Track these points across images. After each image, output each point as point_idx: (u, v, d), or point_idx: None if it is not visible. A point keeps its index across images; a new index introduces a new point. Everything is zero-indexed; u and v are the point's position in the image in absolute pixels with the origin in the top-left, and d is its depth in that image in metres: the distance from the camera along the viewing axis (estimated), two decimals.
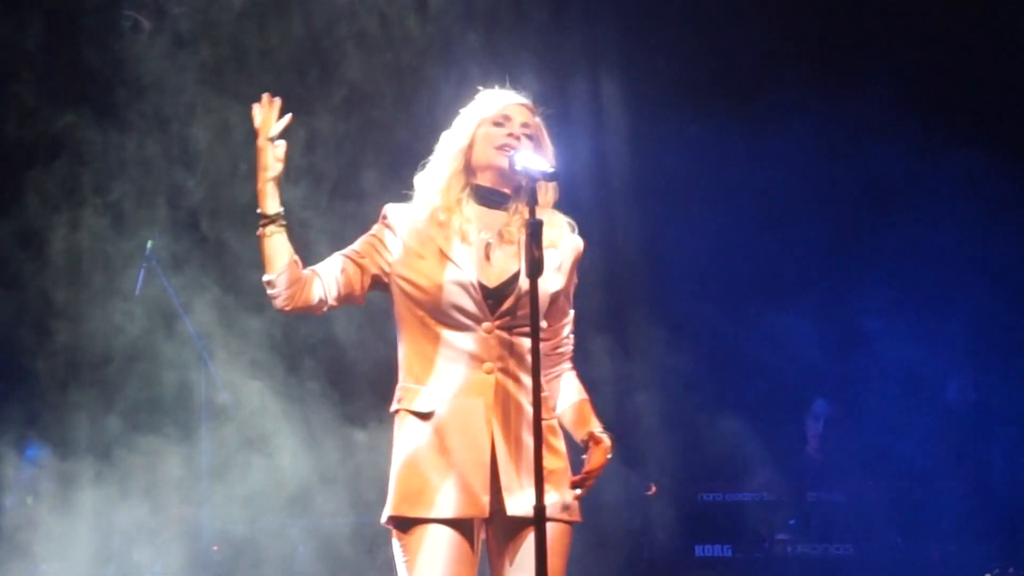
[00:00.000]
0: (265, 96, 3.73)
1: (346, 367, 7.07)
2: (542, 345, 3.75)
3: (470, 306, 3.72)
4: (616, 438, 3.83)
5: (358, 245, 3.83)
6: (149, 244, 6.99)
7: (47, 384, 7.10)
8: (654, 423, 7.68)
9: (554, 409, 3.87)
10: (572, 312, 3.93)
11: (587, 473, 3.72)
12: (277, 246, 3.73)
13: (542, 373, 3.74)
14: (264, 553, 6.92)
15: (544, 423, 3.73)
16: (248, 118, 3.74)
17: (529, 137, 3.83)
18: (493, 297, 3.74)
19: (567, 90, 7.83)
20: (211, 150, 7.00)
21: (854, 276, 8.03)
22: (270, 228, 3.72)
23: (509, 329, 3.74)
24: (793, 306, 8.00)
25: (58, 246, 7.11)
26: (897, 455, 7.68)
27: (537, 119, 3.89)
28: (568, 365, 3.94)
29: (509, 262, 3.77)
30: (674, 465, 7.56)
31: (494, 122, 3.84)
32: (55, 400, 7.09)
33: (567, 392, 3.91)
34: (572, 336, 3.95)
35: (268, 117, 3.72)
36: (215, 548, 6.95)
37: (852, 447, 7.74)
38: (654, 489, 7.23)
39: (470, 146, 3.84)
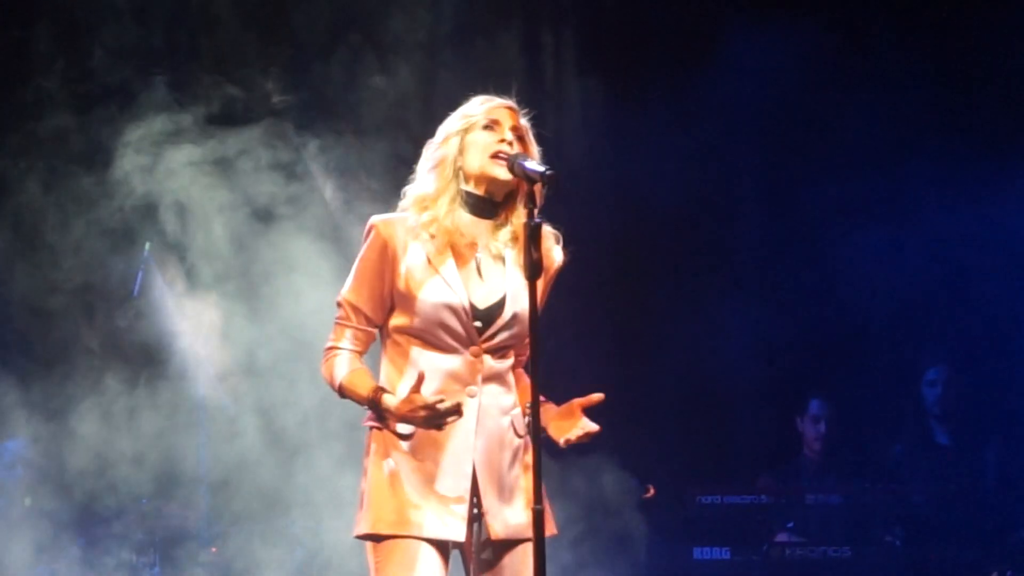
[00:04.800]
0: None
1: None
2: (514, 361, 3.81)
3: (459, 329, 3.71)
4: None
5: (361, 301, 3.78)
6: (147, 246, 6.99)
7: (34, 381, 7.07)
8: (652, 425, 7.68)
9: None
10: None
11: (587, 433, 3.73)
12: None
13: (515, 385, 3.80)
14: (263, 555, 6.91)
15: (525, 441, 3.77)
16: None
17: (519, 139, 3.81)
18: (481, 319, 3.72)
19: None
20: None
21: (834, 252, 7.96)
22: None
23: (495, 352, 3.74)
24: (777, 298, 8.02)
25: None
26: (892, 456, 7.69)
27: (524, 121, 3.85)
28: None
29: (497, 283, 3.75)
30: (672, 468, 7.57)
31: (483, 126, 3.79)
32: (42, 398, 7.05)
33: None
34: None
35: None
36: (213, 550, 6.95)
37: (849, 448, 7.74)
38: (652, 491, 7.23)
39: (460, 152, 3.79)
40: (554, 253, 3.85)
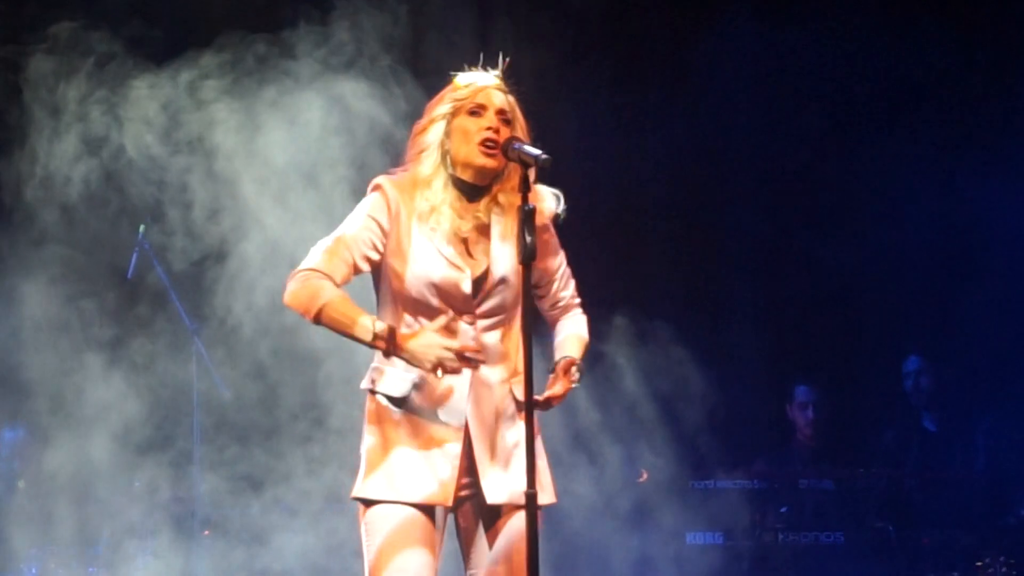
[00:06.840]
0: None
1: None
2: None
3: (454, 301, 3.74)
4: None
5: (358, 240, 3.75)
6: (141, 228, 6.97)
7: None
8: (646, 409, 7.69)
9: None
10: (562, 267, 3.95)
11: (547, 399, 3.74)
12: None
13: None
14: (257, 538, 6.92)
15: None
16: None
17: (506, 122, 3.80)
18: (471, 287, 3.75)
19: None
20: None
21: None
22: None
23: (487, 319, 3.76)
24: (777, 286, 8.03)
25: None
26: (884, 442, 7.70)
27: (511, 97, 3.84)
28: (576, 311, 3.98)
29: (482, 251, 3.79)
30: (665, 452, 7.57)
31: (470, 111, 3.79)
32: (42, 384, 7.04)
33: (566, 326, 3.94)
34: (570, 288, 3.98)
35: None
36: (206, 533, 6.96)
37: (841, 434, 7.76)
38: (645, 476, 7.24)
39: (447, 137, 3.80)
40: (544, 204, 3.83)
